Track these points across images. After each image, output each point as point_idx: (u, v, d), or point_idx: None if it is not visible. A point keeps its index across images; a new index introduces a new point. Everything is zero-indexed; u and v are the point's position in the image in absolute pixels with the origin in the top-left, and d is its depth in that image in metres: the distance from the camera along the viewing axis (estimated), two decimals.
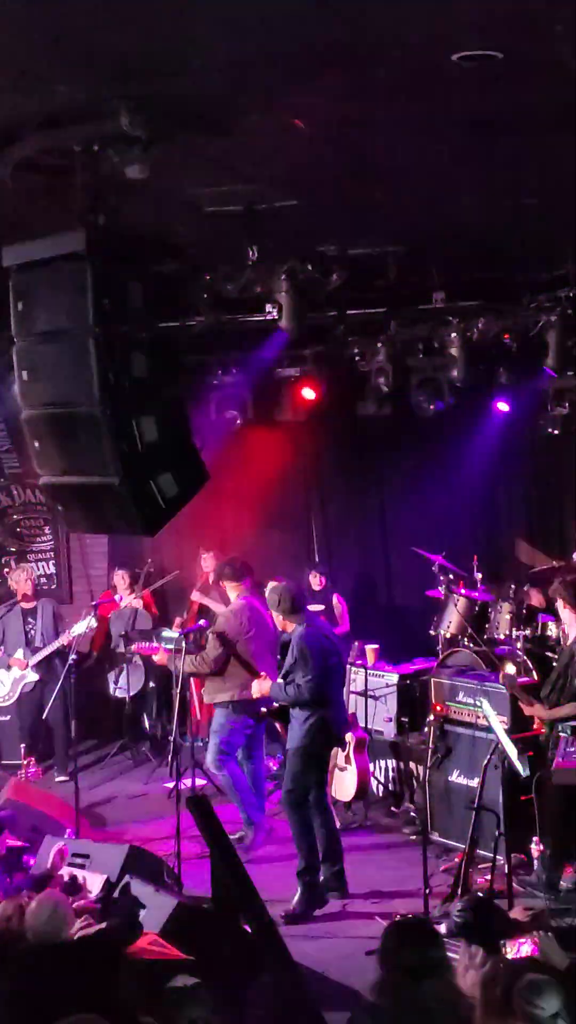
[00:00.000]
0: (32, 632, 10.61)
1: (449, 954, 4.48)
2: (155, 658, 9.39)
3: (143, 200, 6.45)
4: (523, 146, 6.30)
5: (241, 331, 10.20)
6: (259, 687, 8.16)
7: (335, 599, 11.05)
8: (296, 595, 7.94)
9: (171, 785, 8.98)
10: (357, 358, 10.60)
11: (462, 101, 5.55)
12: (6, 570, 11.40)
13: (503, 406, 10.84)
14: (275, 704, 8.25)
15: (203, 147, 5.95)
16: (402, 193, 7.28)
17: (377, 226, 8.11)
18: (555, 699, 7.68)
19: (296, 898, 7.52)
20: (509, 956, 4.90)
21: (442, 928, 6.41)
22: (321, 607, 10.70)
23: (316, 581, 11.15)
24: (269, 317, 8.46)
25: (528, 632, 9.10)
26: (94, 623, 10.04)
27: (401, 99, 5.45)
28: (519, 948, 4.92)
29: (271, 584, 8.32)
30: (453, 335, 9.61)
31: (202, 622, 9.24)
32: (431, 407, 10.46)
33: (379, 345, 10.12)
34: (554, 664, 8.15)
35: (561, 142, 6.24)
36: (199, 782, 9.13)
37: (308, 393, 10.84)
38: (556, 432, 11.25)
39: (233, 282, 8.13)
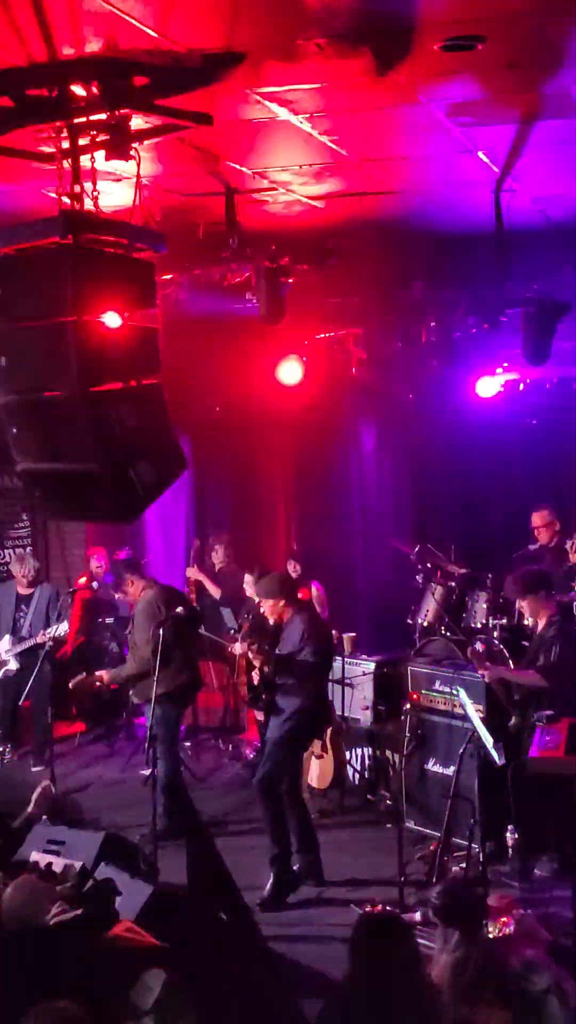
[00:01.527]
0: (22, 620, 10.56)
1: (423, 941, 4.51)
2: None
3: (124, 186, 6.45)
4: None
5: (220, 318, 10.20)
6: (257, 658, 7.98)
7: (314, 587, 11.07)
8: (293, 583, 7.99)
9: (147, 772, 9.01)
10: (336, 345, 10.61)
11: None
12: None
13: (479, 394, 10.86)
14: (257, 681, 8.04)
15: (183, 135, 5.95)
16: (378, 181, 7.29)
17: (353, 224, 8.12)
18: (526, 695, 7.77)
19: (269, 885, 7.54)
20: (491, 935, 4.93)
21: (417, 916, 6.49)
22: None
23: (292, 568, 11.16)
24: (249, 304, 8.45)
25: (505, 621, 9.14)
26: (66, 627, 10.03)
27: None
28: (502, 929, 4.95)
29: (261, 574, 8.33)
30: (431, 324, 9.62)
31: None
32: (410, 396, 10.49)
33: (358, 333, 10.13)
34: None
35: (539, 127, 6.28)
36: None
37: (291, 377, 10.82)
38: (534, 421, 11.31)
39: (213, 269, 8.11)
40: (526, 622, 9.05)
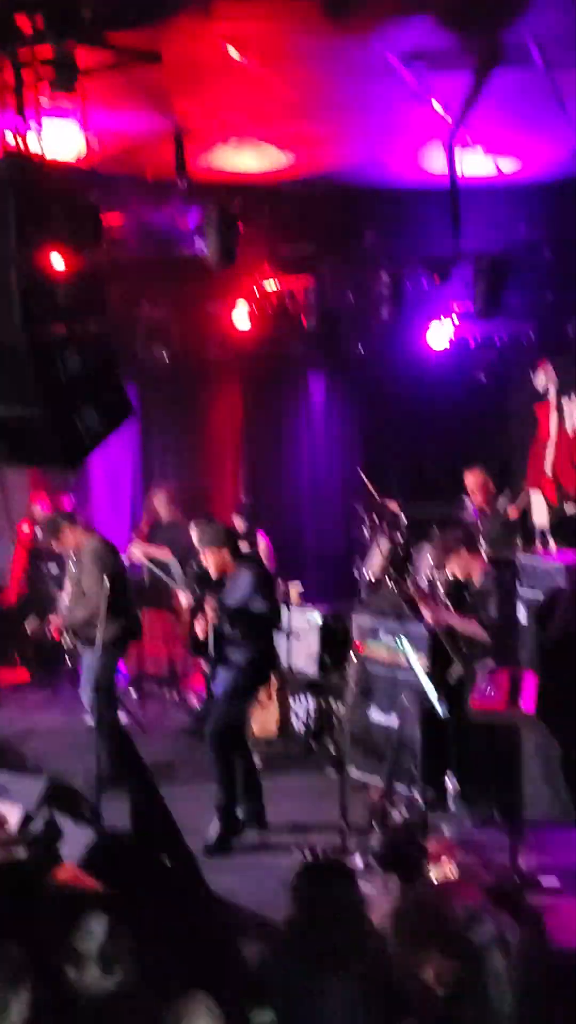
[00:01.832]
0: None
1: (364, 887, 4.56)
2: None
3: (71, 128, 6.34)
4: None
5: (169, 263, 10.09)
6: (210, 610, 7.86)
7: (260, 538, 11.07)
8: (236, 534, 7.98)
9: (90, 720, 9.00)
10: (286, 296, 10.54)
11: None
12: None
13: (429, 348, 10.86)
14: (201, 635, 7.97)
15: (131, 76, 5.84)
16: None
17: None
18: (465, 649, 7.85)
19: (213, 830, 7.59)
20: (433, 878, 4.99)
21: (359, 861, 6.56)
22: (247, 547, 10.71)
23: (238, 523, 11.13)
24: (198, 250, 8.36)
25: (485, 569, 9.18)
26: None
27: None
28: (443, 871, 5.01)
29: (204, 523, 8.29)
30: (382, 276, 9.58)
31: None
32: (359, 348, 10.46)
33: (309, 284, 10.07)
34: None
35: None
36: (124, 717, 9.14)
37: (240, 325, 10.75)
38: (482, 377, 11.33)
39: (161, 213, 8.01)
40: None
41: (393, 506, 10.28)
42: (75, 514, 9.40)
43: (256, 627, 7.66)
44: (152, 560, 10.89)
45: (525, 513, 10.52)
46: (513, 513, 9.65)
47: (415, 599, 8.75)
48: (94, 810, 7.45)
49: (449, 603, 8.81)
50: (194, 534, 10.05)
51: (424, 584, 9.40)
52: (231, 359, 11.70)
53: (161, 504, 11.46)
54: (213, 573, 7.92)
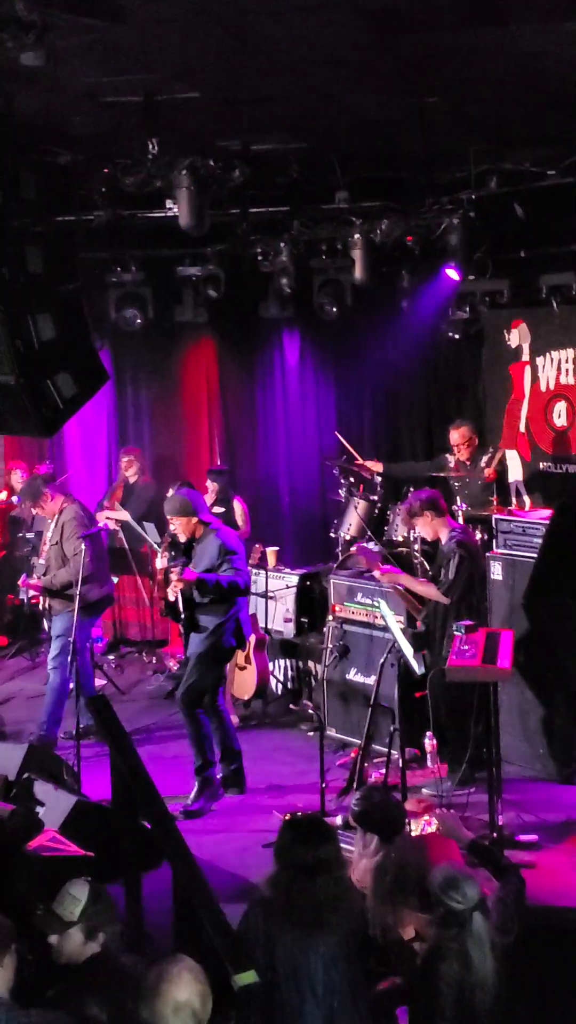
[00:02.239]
0: None
1: (344, 845, 4.60)
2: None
3: (39, 88, 6.26)
4: (426, 42, 6.22)
5: (141, 227, 10.02)
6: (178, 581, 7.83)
7: (236, 502, 11.07)
8: (203, 500, 7.97)
9: (71, 686, 9.02)
10: (260, 258, 10.49)
11: None
12: None
13: (404, 309, 10.82)
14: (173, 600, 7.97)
15: (101, 35, 5.76)
16: (305, 88, 7.17)
17: (280, 122, 7.98)
18: (432, 610, 7.89)
19: (193, 794, 7.64)
20: (414, 833, 5.02)
21: (338, 820, 6.61)
22: (221, 509, 10.72)
23: (211, 490, 11.12)
24: (169, 213, 8.30)
25: (451, 532, 9.20)
26: None
27: None
28: (423, 827, 5.06)
29: (172, 492, 8.30)
30: (356, 236, 9.54)
31: None
32: (333, 309, 10.42)
33: (282, 245, 10.01)
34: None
35: (464, 39, 6.18)
36: (98, 683, 9.16)
37: (210, 293, 10.70)
38: (457, 336, 11.31)
39: (132, 176, 7.92)
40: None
41: (375, 466, 10.27)
42: (54, 477, 9.39)
43: (224, 592, 7.66)
44: (122, 524, 10.87)
45: (501, 472, 10.55)
46: (489, 475, 9.68)
47: (391, 561, 8.80)
48: (74, 775, 7.51)
49: (425, 562, 8.86)
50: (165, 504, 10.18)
51: (399, 541, 9.44)
52: (205, 321, 11.64)
53: (127, 467, 11.43)
54: (181, 539, 7.97)
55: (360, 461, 10.42)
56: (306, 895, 4.17)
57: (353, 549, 8.64)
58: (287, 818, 4.52)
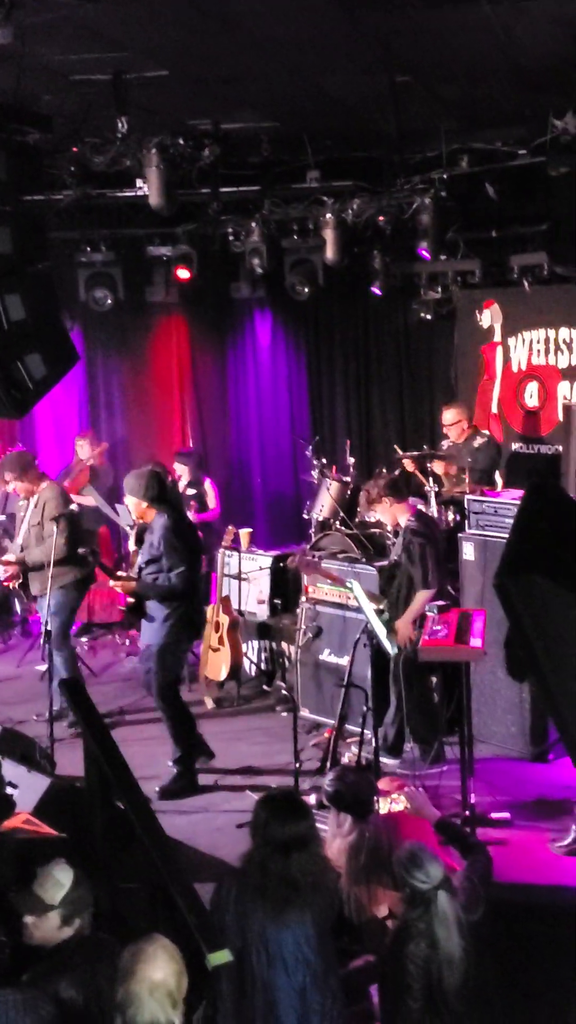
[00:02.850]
0: None
1: (318, 825, 4.61)
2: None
3: (7, 67, 6.20)
4: (398, 21, 6.19)
5: (111, 207, 9.97)
6: (121, 586, 7.81)
7: (207, 483, 11.06)
8: (163, 482, 7.85)
9: (43, 668, 9.01)
10: (231, 238, 10.46)
11: None
12: None
13: (376, 290, 10.82)
14: (130, 600, 7.86)
15: (70, 11, 5.71)
16: (276, 67, 7.14)
17: (250, 101, 7.94)
18: (395, 595, 7.89)
19: (171, 778, 7.61)
20: (382, 811, 5.05)
21: (311, 800, 6.63)
22: (193, 491, 10.70)
23: (181, 471, 11.08)
24: (139, 193, 8.26)
25: (406, 522, 9.22)
26: None
27: None
28: (391, 805, 5.08)
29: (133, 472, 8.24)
30: (327, 216, 9.52)
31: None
32: (304, 289, 10.41)
33: (253, 225, 9.98)
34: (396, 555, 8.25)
35: (436, 19, 6.16)
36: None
37: (182, 273, 10.66)
38: (428, 317, 11.32)
39: (102, 155, 7.88)
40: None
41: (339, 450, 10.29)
42: (33, 457, 9.32)
43: (162, 596, 7.51)
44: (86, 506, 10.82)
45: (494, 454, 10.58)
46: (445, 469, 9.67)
47: (364, 543, 8.82)
48: (48, 757, 7.49)
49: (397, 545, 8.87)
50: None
51: (371, 522, 9.45)
52: (177, 300, 11.61)
53: (83, 450, 11.38)
54: (132, 521, 7.87)
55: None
56: (281, 870, 4.18)
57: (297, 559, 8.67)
58: (262, 795, 4.52)
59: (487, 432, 10.26)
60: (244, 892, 4.21)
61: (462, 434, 9.98)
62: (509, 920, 5.13)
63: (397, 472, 9.17)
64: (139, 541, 7.84)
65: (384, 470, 9.46)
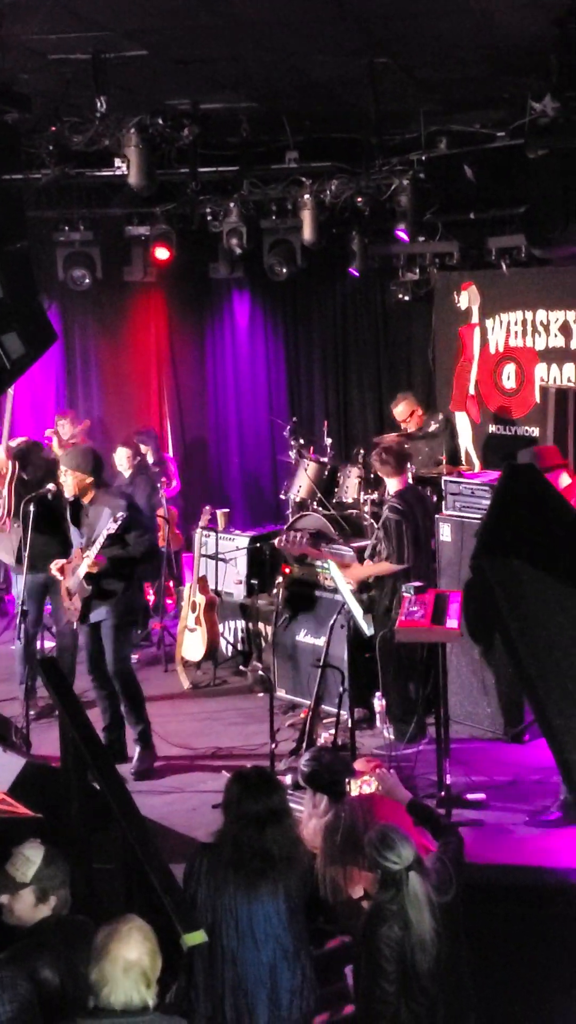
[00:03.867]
0: None
1: (294, 806, 4.64)
2: None
3: None
4: (377, 2, 6.18)
5: (89, 186, 9.92)
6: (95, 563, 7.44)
7: (165, 458, 11.10)
8: (102, 458, 7.76)
9: (16, 647, 8.99)
10: (209, 218, 10.43)
11: None
12: None
13: (354, 271, 10.82)
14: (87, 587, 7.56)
15: None
16: (255, 48, 7.11)
17: (229, 81, 7.92)
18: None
19: (137, 756, 7.62)
20: (353, 793, 5.07)
21: (288, 780, 6.67)
22: (156, 469, 10.71)
23: (144, 448, 11.08)
24: (118, 172, 8.22)
25: (376, 496, 9.26)
26: None
27: None
28: (361, 787, 5.11)
29: (75, 447, 8.21)
30: (305, 197, 9.51)
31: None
32: (283, 270, 10.40)
33: (231, 205, 9.96)
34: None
35: (415, 0, 6.16)
36: (48, 644, 9.13)
37: (161, 253, 10.62)
38: (407, 298, 11.33)
39: (80, 134, 7.84)
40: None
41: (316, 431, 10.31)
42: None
43: (115, 563, 7.40)
44: None
45: (451, 434, 10.63)
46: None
47: (342, 523, 8.84)
48: (23, 737, 7.51)
49: (375, 524, 8.89)
50: (121, 458, 10.17)
51: (349, 503, 9.47)
52: (155, 281, 11.57)
53: (64, 429, 11.35)
54: (68, 496, 7.67)
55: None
56: (254, 843, 4.21)
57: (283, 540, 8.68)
58: (234, 772, 4.55)
59: (440, 415, 10.31)
60: (216, 866, 4.24)
61: (418, 423, 10.03)
62: (484, 900, 5.18)
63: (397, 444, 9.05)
64: (75, 520, 7.61)
65: (361, 450, 9.52)
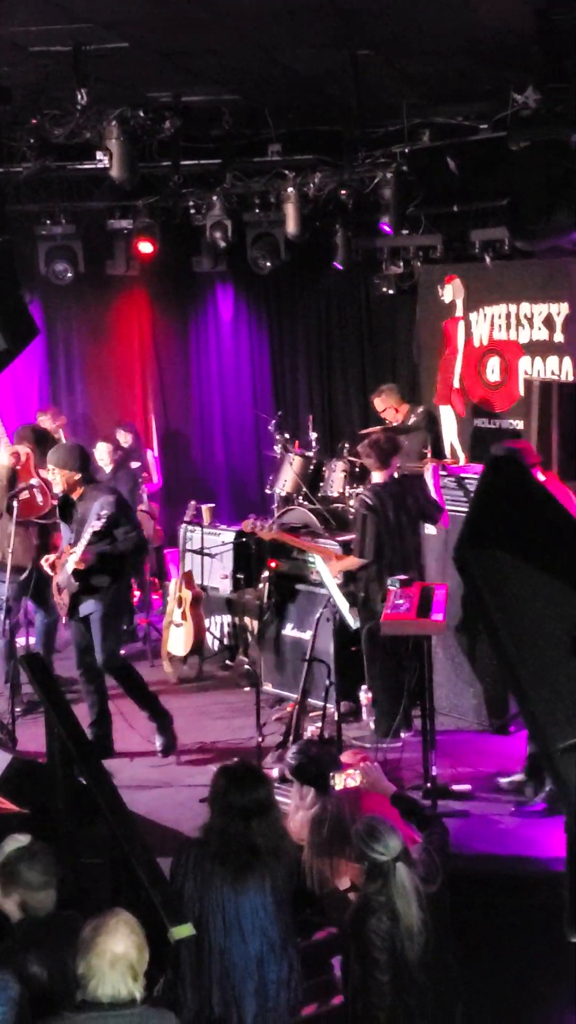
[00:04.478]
0: None
1: (281, 799, 4.64)
2: None
3: None
4: None
5: (71, 179, 9.89)
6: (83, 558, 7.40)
7: (149, 454, 11.08)
8: (89, 454, 7.80)
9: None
10: (192, 211, 10.41)
11: None
12: None
13: (338, 264, 10.80)
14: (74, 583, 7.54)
15: None
16: (237, 40, 7.09)
17: (212, 74, 7.89)
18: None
19: (160, 737, 7.70)
20: (338, 787, 5.08)
21: (275, 774, 6.67)
22: (137, 464, 10.69)
23: (125, 439, 11.06)
24: (100, 165, 8.19)
25: (360, 489, 9.26)
26: None
27: None
28: (346, 780, 5.11)
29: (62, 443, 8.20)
30: (289, 190, 9.50)
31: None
32: (266, 263, 10.38)
33: (214, 198, 9.94)
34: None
35: None
36: (32, 640, 9.11)
37: (144, 247, 10.60)
38: (390, 291, 11.33)
39: (62, 127, 7.81)
40: None
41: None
42: None
43: (103, 559, 7.40)
44: None
45: (429, 427, 10.61)
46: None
47: (327, 517, 8.83)
48: (9, 733, 7.49)
49: None
50: (103, 453, 10.15)
51: (334, 497, 9.46)
52: (137, 275, 11.54)
53: (46, 426, 11.32)
54: (58, 492, 7.68)
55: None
56: (241, 836, 4.22)
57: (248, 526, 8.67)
58: (220, 765, 4.55)
59: (421, 407, 10.31)
60: (203, 859, 4.24)
61: (396, 416, 10.04)
62: (471, 891, 5.19)
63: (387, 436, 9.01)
64: (65, 516, 7.57)
65: (347, 444, 9.51)
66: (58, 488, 7.60)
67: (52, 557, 7.67)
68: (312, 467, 9.60)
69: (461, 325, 10.79)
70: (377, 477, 7.87)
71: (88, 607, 7.53)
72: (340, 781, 5.14)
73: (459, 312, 10.79)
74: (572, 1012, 4.89)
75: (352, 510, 9.03)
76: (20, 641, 8.79)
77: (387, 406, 10.15)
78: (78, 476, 7.42)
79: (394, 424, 9.99)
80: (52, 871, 4.17)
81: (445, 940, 4.13)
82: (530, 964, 5.21)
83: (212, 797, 4.38)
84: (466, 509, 7.94)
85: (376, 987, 3.98)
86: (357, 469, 9.38)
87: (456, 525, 7.95)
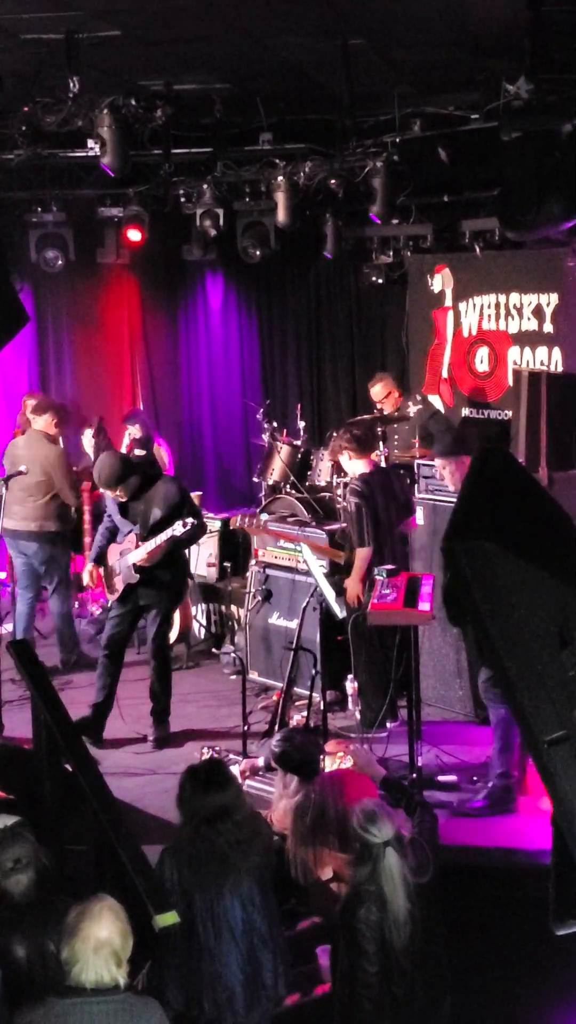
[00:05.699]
0: None
1: (264, 787, 4.67)
2: None
3: None
4: None
5: (62, 167, 9.87)
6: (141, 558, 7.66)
7: (161, 447, 11.04)
8: (126, 458, 8.02)
9: None
10: (183, 199, 10.39)
11: None
12: None
13: (328, 253, 10.80)
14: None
15: None
16: (229, 28, 7.08)
17: (203, 62, 7.88)
18: (347, 556, 7.96)
19: (154, 728, 7.88)
20: (329, 768, 5.10)
21: (259, 762, 6.69)
22: (143, 452, 10.66)
23: (136, 430, 11.03)
24: (91, 153, 8.18)
25: (348, 479, 9.26)
26: None
27: None
28: (336, 763, 5.14)
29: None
30: (279, 179, 9.48)
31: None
32: (256, 252, 10.37)
33: (205, 187, 9.93)
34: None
35: None
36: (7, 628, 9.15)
37: (134, 235, 10.58)
38: (380, 281, 11.33)
39: (53, 115, 7.79)
40: None
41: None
42: None
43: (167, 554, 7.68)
44: None
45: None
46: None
47: (314, 506, 8.84)
48: None
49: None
50: (88, 440, 10.20)
51: (322, 486, 9.47)
52: (128, 263, 11.52)
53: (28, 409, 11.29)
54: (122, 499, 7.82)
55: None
56: (210, 844, 4.26)
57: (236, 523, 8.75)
58: (186, 768, 4.58)
59: (420, 398, 10.32)
60: (181, 866, 4.28)
61: (395, 404, 10.05)
62: (456, 882, 5.21)
63: (365, 425, 9.05)
64: (125, 512, 7.78)
65: (335, 434, 9.50)
66: (123, 498, 7.73)
67: (91, 567, 8.01)
68: (300, 456, 9.60)
69: (450, 315, 10.79)
70: (362, 467, 7.88)
71: (149, 597, 7.78)
72: (331, 762, 5.17)
73: (448, 302, 10.80)
74: (558, 1005, 4.92)
75: (340, 500, 9.05)
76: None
77: (383, 395, 10.15)
78: (134, 481, 7.63)
79: (392, 413, 9.99)
80: (26, 855, 4.17)
81: (435, 932, 4.14)
82: (517, 957, 5.24)
83: (180, 801, 4.44)
84: (453, 500, 7.97)
85: (363, 977, 3.99)
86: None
87: (443, 515, 7.97)
